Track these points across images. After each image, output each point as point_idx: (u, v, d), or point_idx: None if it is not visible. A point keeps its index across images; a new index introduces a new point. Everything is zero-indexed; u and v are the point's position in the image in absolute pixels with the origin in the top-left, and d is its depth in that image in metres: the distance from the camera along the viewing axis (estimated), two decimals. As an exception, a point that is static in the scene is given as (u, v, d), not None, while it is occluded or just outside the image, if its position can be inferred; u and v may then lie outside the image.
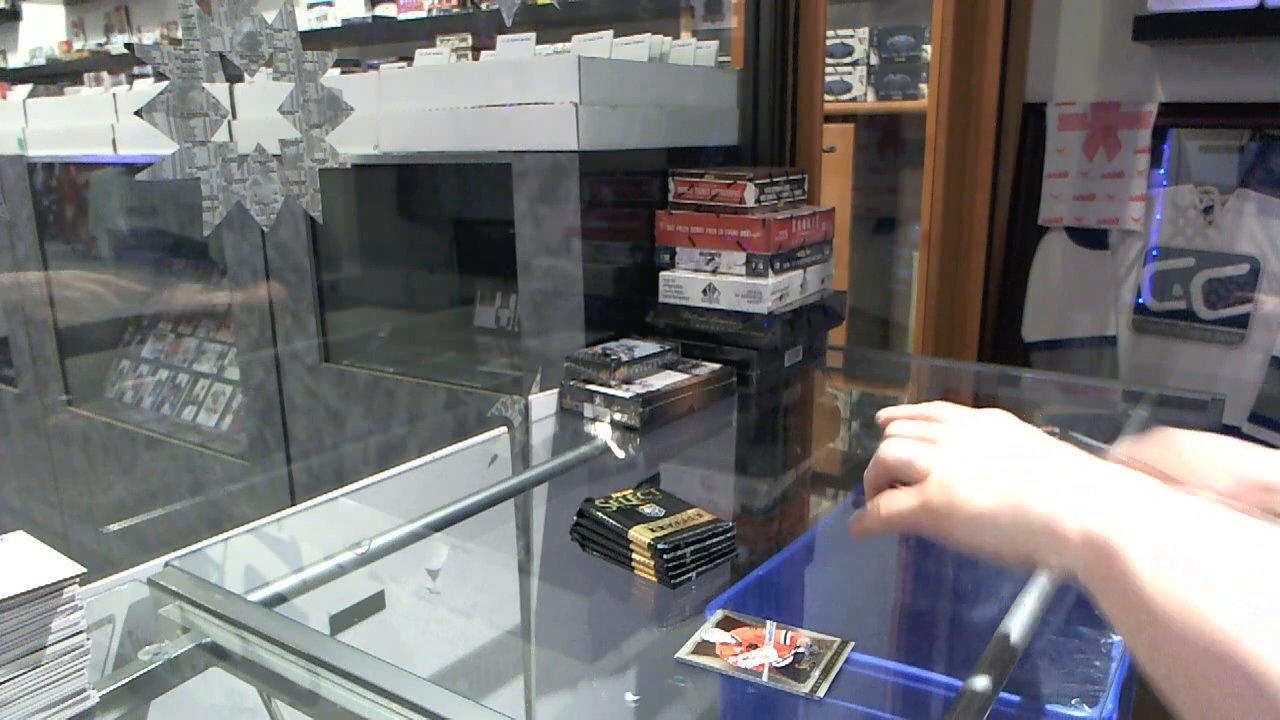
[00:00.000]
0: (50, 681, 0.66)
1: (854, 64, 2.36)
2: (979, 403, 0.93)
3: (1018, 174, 1.74)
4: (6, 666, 0.64)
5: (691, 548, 0.86)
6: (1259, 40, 1.48)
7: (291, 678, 0.71)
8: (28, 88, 3.23)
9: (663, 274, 1.44)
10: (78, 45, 4.61)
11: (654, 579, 0.85)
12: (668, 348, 1.36)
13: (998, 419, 0.63)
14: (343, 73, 2.09)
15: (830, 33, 2.17)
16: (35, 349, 2.48)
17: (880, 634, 0.79)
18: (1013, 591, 0.78)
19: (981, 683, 0.63)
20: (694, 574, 0.86)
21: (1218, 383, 1.56)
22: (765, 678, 0.70)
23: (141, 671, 0.75)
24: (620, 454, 1.19)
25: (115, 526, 2.35)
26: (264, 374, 1.88)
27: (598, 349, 1.33)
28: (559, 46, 1.69)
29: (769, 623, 0.76)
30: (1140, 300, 1.65)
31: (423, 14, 3.15)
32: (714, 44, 1.70)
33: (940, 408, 0.67)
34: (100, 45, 4.46)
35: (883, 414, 0.70)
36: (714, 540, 0.88)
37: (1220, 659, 0.38)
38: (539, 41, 1.62)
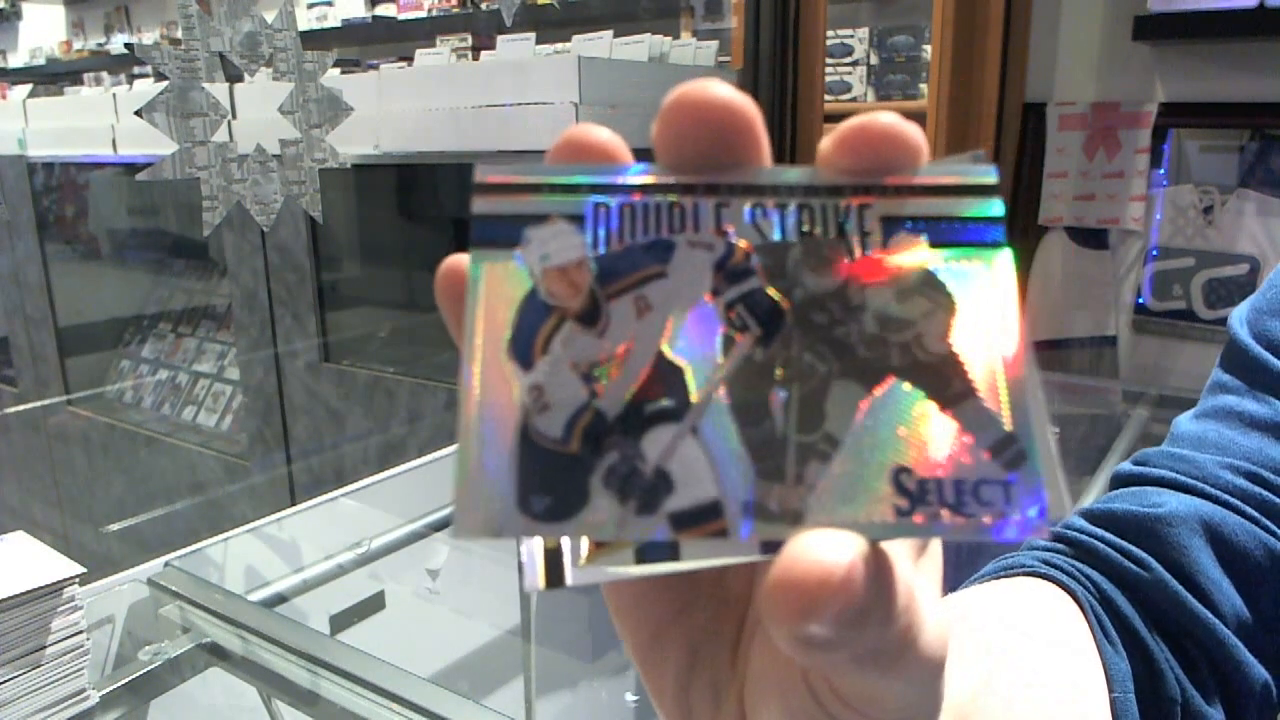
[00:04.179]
0: (50, 681, 0.66)
1: (854, 64, 2.36)
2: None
3: (1018, 174, 1.74)
4: (6, 666, 0.64)
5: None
6: (1259, 40, 1.48)
7: (291, 678, 0.71)
8: (28, 88, 3.23)
9: (663, 274, 1.44)
10: (78, 45, 4.61)
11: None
12: (668, 348, 1.36)
13: None
14: (343, 73, 2.09)
15: (830, 33, 2.17)
16: (35, 349, 2.48)
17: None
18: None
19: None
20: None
21: (1218, 383, 1.56)
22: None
23: (141, 671, 0.75)
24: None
25: (115, 526, 2.36)
26: (264, 374, 1.88)
27: (598, 349, 1.33)
28: (559, 46, 1.69)
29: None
30: (1140, 300, 1.65)
31: (423, 14, 3.15)
32: (714, 44, 1.70)
33: None
34: (100, 45, 4.46)
35: None
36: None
37: None
38: (539, 41, 1.62)
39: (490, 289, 0.19)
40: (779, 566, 0.17)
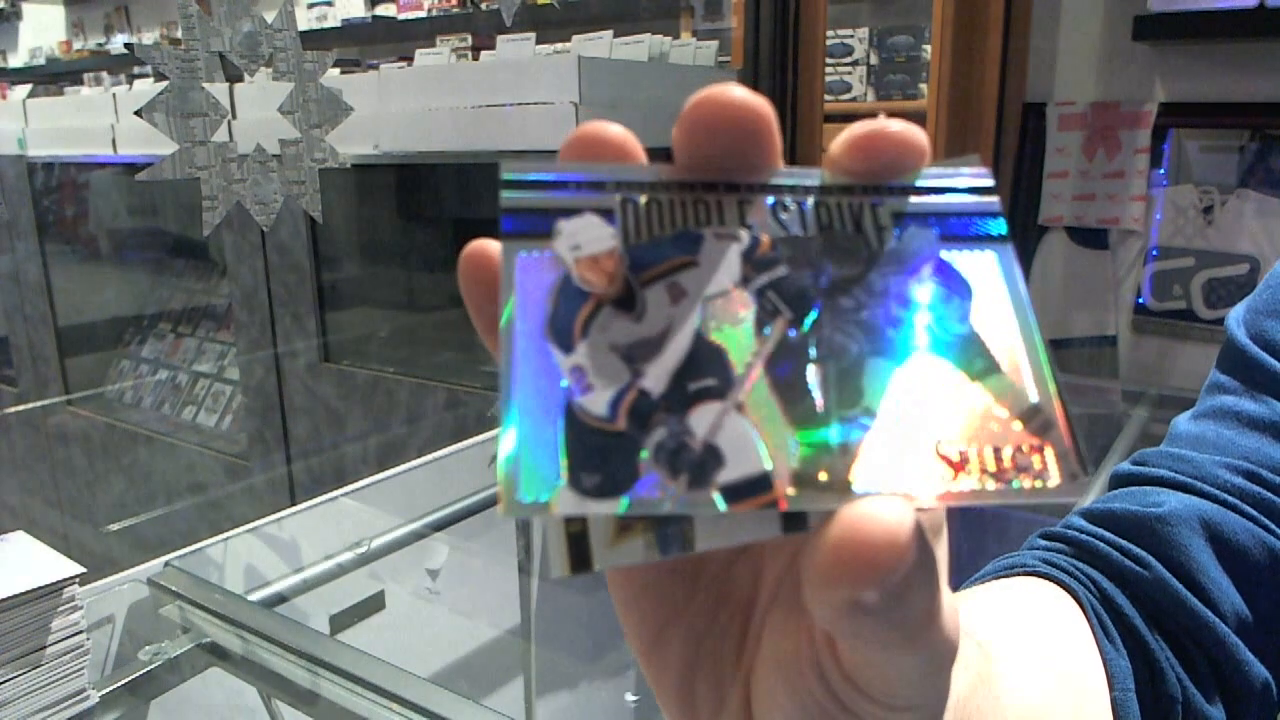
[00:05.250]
0: (50, 681, 0.66)
1: (854, 64, 2.35)
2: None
3: (1018, 174, 1.74)
4: (6, 666, 0.64)
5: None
6: (1259, 40, 1.48)
7: (291, 678, 0.71)
8: (28, 88, 3.23)
9: (663, 274, 1.44)
10: (78, 45, 4.61)
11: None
12: (668, 348, 1.36)
13: None
14: (343, 73, 2.09)
15: (830, 33, 2.17)
16: (35, 349, 2.48)
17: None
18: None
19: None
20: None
21: (1218, 383, 1.56)
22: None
23: (141, 671, 0.75)
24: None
25: (115, 526, 2.36)
26: (264, 374, 1.88)
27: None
28: (559, 46, 1.69)
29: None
30: (1140, 300, 1.65)
31: (423, 14, 3.15)
32: (714, 44, 1.70)
33: None
34: (100, 45, 4.46)
35: None
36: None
37: None
38: (539, 41, 1.62)
39: (525, 277, 0.20)
40: (840, 530, 0.16)
